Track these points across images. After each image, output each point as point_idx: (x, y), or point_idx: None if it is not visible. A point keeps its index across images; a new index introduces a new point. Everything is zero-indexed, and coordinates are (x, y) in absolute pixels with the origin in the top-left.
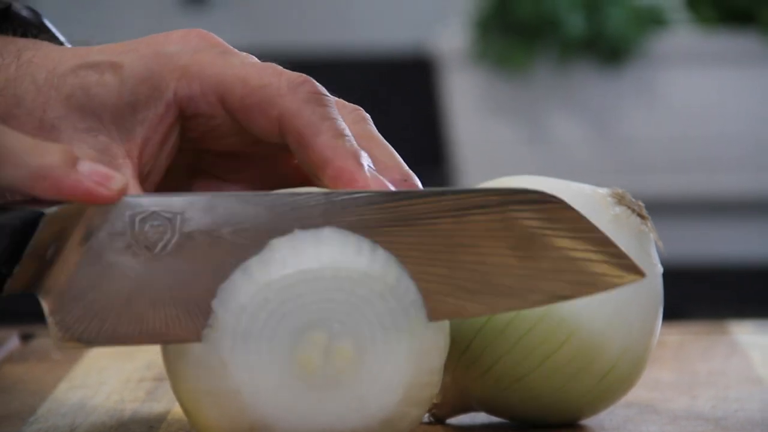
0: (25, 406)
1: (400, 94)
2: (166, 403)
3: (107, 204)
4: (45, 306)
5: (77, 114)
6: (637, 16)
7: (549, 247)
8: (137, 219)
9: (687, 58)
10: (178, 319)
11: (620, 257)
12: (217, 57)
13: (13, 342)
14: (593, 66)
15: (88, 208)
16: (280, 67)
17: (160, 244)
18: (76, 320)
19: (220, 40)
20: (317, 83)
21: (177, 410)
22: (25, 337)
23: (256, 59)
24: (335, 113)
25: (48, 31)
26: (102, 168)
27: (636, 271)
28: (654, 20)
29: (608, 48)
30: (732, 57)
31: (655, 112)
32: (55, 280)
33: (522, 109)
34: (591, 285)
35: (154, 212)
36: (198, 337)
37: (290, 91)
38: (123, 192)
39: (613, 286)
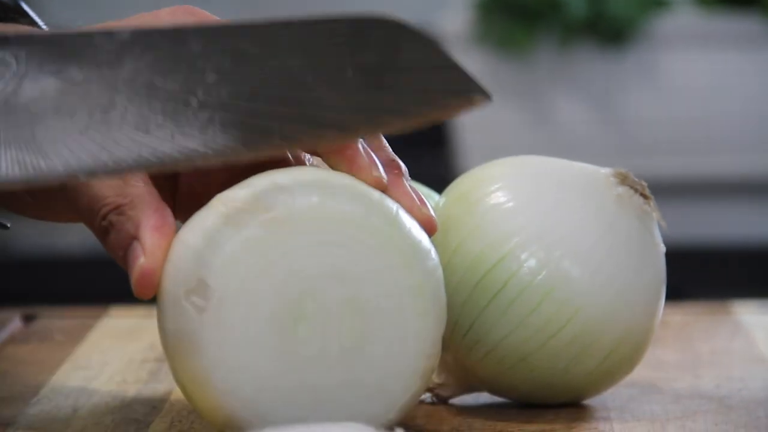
0: (27, 387)
1: None
2: (169, 384)
3: None
4: None
5: None
6: None
7: (396, 75)
8: None
9: (689, 39)
10: None
11: (468, 81)
12: None
13: (15, 323)
14: (595, 47)
15: None
16: None
17: None
18: None
19: (208, 13)
20: None
21: (179, 391)
22: (27, 319)
23: None
24: None
25: (27, 15)
26: None
27: (482, 92)
28: (656, 2)
29: (610, 29)
30: (734, 39)
31: (657, 93)
32: None
33: (524, 90)
34: (441, 108)
35: None
36: None
37: None
38: None
39: (462, 108)
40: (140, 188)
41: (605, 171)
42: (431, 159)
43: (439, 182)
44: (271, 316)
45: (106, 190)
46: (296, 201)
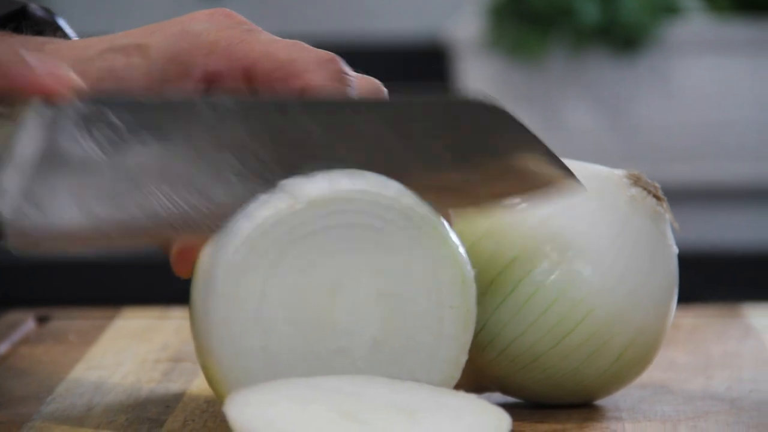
0: (42, 386)
1: (415, 83)
2: (182, 384)
3: (58, 97)
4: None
5: None
6: (651, 4)
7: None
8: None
9: (701, 46)
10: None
11: (560, 167)
12: (244, 34)
13: (29, 325)
14: (607, 54)
15: (34, 105)
16: (306, 45)
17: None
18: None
19: (245, 19)
20: (343, 62)
21: (193, 390)
22: (41, 320)
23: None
24: (357, 94)
25: (61, 29)
26: (51, 61)
27: (573, 178)
28: (668, 8)
29: (622, 36)
30: (745, 45)
31: (668, 99)
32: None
33: (536, 97)
34: (530, 191)
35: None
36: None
37: (317, 67)
38: (72, 86)
39: (551, 194)
40: None
41: (618, 172)
42: None
43: None
44: (306, 302)
45: None
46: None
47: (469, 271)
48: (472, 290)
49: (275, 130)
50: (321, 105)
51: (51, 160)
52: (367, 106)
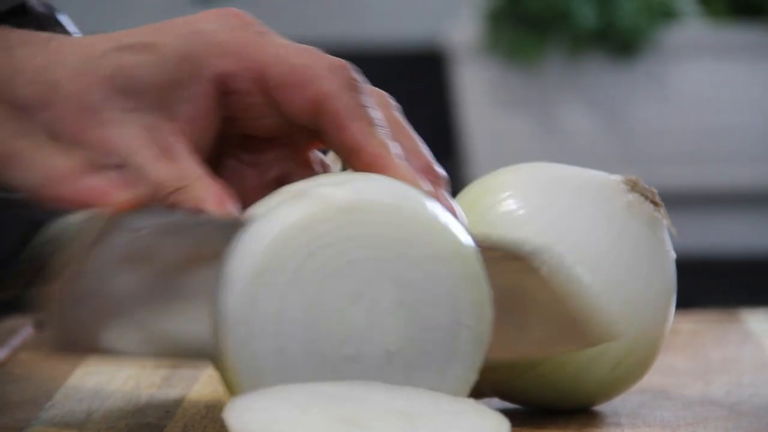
0: (41, 392)
1: (412, 87)
2: (182, 389)
3: (116, 213)
4: (39, 313)
5: (121, 95)
6: (648, 8)
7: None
8: (141, 233)
9: (698, 50)
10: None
11: (598, 320)
12: (255, 36)
13: (28, 330)
14: (604, 58)
15: (96, 218)
16: (319, 50)
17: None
18: (71, 328)
19: (255, 20)
20: (355, 69)
21: (192, 396)
22: (39, 325)
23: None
24: (371, 102)
25: (61, 25)
26: (109, 179)
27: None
28: (665, 12)
29: (619, 40)
30: (742, 49)
31: (665, 104)
32: (54, 287)
33: (533, 101)
34: (576, 340)
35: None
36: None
37: (330, 74)
38: (130, 203)
39: (594, 344)
40: (198, 171)
41: (615, 178)
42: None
43: (448, 191)
44: (325, 308)
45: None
46: (368, 194)
47: (488, 292)
48: (489, 312)
49: None
50: None
51: (103, 273)
52: None
